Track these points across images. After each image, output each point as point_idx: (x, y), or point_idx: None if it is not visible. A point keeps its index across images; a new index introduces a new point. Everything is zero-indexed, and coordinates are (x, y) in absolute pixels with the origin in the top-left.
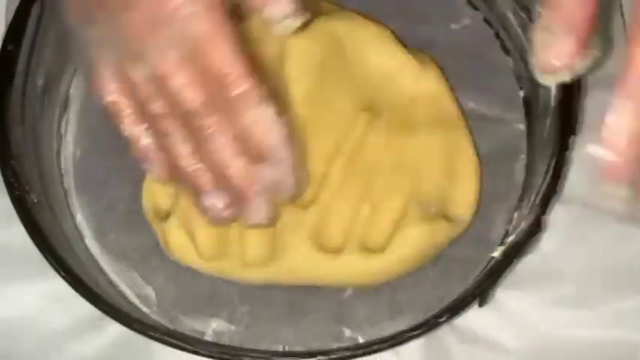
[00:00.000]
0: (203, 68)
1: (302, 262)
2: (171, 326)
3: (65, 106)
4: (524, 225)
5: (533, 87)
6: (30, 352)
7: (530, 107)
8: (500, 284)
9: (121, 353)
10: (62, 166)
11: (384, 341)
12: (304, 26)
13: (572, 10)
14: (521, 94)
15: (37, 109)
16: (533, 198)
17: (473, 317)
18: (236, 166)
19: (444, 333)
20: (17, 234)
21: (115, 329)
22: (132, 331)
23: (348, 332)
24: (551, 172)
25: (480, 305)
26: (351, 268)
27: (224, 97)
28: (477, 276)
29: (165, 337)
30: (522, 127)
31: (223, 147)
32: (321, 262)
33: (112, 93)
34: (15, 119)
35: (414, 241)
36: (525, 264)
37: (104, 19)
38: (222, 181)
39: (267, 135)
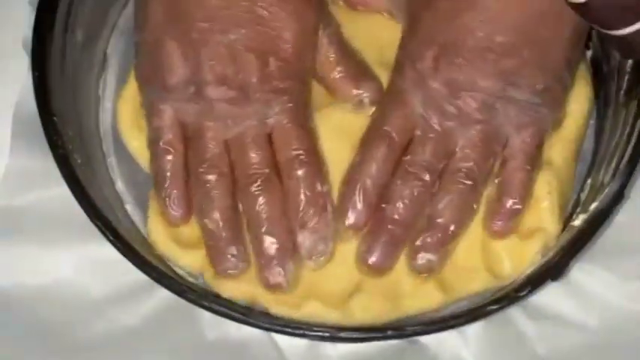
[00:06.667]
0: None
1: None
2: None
3: (103, 67)
4: (607, 192)
5: (602, 44)
6: (70, 319)
7: (600, 66)
8: None
9: (164, 322)
10: (101, 130)
11: (459, 317)
12: None
13: None
14: (589, 53)
15: (77, 67)
16: (614, 163)
17: (541, 292)
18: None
19: (511, 310)
20: (55, 196)
21: (158, 298)
22: (174, 301)
23: None
24: (636, 134)
25: (555, 279)
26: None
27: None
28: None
29: (216, 306)
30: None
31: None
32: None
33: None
34: (54, 73)
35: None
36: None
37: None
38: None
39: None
